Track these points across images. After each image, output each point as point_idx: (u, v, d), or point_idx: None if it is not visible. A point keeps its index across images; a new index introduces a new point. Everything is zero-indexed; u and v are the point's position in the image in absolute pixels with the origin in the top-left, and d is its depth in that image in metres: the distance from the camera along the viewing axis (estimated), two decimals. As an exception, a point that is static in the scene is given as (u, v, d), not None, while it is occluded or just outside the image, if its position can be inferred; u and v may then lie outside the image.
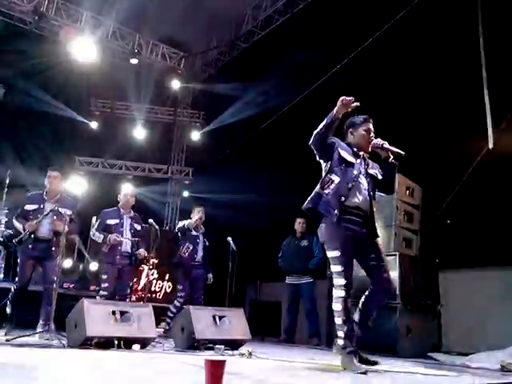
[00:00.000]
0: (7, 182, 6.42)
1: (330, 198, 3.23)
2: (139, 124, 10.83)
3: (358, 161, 3.37)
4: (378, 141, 3.36)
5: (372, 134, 3.40)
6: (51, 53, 8.88)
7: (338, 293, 3.14)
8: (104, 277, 5.36)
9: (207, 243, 6.34)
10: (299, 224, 6.59)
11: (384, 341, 4.86)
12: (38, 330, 4.56)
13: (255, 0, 9.48)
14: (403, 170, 5.79)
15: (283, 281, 6.69)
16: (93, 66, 8.99)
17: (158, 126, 11.38)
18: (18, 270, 4.95)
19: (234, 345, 4.35)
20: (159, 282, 8.82)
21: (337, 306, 3.14)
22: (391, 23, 6.87)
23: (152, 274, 8.41)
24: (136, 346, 3.93)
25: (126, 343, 3.85)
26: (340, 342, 3.12)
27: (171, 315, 6.01)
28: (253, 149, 9.03)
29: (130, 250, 5.49)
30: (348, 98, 3.12)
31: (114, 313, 3.90)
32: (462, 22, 6.05)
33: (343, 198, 3.21)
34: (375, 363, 3.32)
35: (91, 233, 5.56)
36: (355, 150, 3.39)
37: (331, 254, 3.21)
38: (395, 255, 5.20)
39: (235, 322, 4.55)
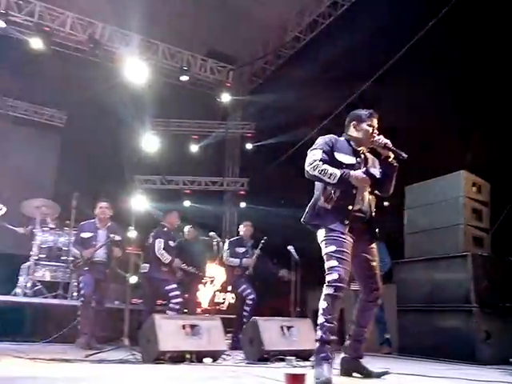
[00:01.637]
0: (74, 205, 6.71)
1: (336, 211, 3.02)
2: (192, 139, 11.06)
3: (358, 159, 3.15)
4: (381, 138, 3.09)
5: (376, 131, 3.15)
6: (106, 77, 9.27)
7: (327, 290, 2.92)
8: (170, 287, 5.67)
9: (257, 252, 6.35)
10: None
11: (461, 347, 4.65)
12: (95, 346, 4.88)
13: (298, 6, 9.46)
14: (469, 167, 5.56)
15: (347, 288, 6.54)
16: (145, 87, 9.29)
17: (210, 139, 11.57)
18: (82, 285, 5.38)
19: (304, 355, 4.28)
20: (222, 293, 8.90)
21: (322, 304, 2.92)
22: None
23: (213, 286, 8.51)
24: (207, 360, 3.95)
25: (198, 357, 3.88)
26: (316, 344, 2.89)
27: (246, 313, 6.03)
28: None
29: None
30: (367, 179, 2.99)
31: (184, 327, 3.95)
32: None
33: (351, 207, 3.01)
34: (379, 375, 3.03)
35: (158, 251, 5.79)
36: (354, 146, 3.17)
37: (327, 249, 2.98)
38: (466, 255, 4.95)
39: (303, 332, 4.48)
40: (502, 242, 5.68)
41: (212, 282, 8.19)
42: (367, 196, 3.12)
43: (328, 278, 2.94)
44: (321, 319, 2.89)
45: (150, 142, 10.88)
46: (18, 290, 6.38)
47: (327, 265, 2.98)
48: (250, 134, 11.52)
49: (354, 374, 3.11)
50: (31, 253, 6.59)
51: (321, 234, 3.07)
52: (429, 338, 5.05)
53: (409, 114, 6.75)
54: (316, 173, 2.96)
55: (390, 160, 3.09)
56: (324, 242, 3.03)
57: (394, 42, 7.31)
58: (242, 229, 6.54)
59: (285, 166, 9.35)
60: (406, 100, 6.92)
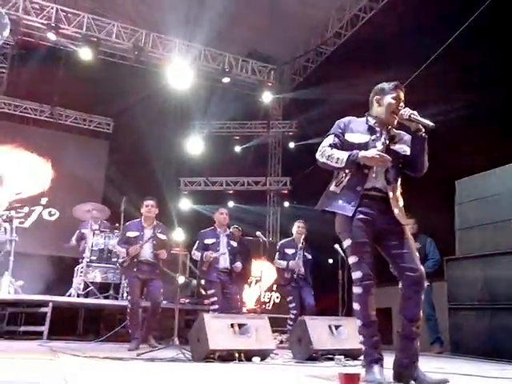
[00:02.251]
0: (123, 208, 6.92)
1: (344, 193, 2.83)
2: (235, 140, 11.18)
3: (374, 137, 2.89)
4: (406, 111, 2.82)
5: (401, 104, 2.89)
6: (151, 83, 9.52)
7: (355, 289, 2.75)
8: (210, 292, 5.68)
9: (309, 257, 6.27)
10: (409, 226, 6.28)
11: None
12: (153, 344, 5.00)
13: (338, 1, 9.35)
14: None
15: (394, 285, 6.40)
16: (188, 90, 9.47)
17: (253, 139, 11.64)
18: (128, 290, 5.44)
19: (352, 355, 4.23)
20: (267, 293, 8.93)
21: (355, 306, 2.75)
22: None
23: (259, 286, 8.54)
24: (256, 359, 3.96)
25: (247, 355, 3.91)
26: (362, 348, 2.72)
27: (289, 327, 6.03)
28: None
29: (228, 266, 5.78)
30: (384, 158, 2.73)
31: (232, 326, 3.98)
32: None
33: (359, 188, 2.80)
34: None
35: (192, 252, 5.87)
36: (373, 123, 2.93)
37: (345, 243, 2.82)
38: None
39: (352, 331, 4.41)
40: None
41: (257, 281, 8.22)
42: (382, 172, 2.83)
43: (353, 276, 2.79)
44: (358, 322, 2.75)
45: (194, 145, 11.09)
46: (72, 291, 6.65)
47: (349, 260, 2.82)
48: (291, 133, 11.51)
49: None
50: (83, 255, 6.85)
51: (336, 223, 2.91)
52: (482, 336, 4.88)
53: (457, 104, 6.52)
54: (324, 159, 2.85)
55: (419, 133, 2.83)
56: (340, 235, 2.87)
57: (438, 35, 7.08)
58: (293, 229, 6.39)
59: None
60: (453, 90, 6.71)
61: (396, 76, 3.09)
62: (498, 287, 4.88)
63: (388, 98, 2.90)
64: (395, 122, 2.91)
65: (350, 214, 2.76)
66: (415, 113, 2.79)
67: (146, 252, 5.32)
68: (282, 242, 6.55)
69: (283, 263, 6.16)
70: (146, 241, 5.28)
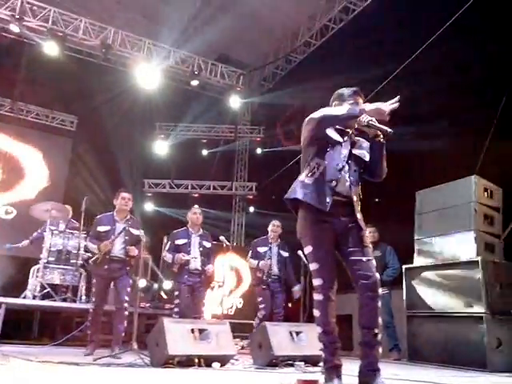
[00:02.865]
0: (83, 208, 6.72)
1: (318, 186, 2.78)
2: (202, 143, 11.12)
3: (346, 138, 2.92)
4: (365, 117, 2.80)
5: None
6: (118, 82, 9.35)
7: (316, 296, 2.74)
8: (176, 295, 5.57)
9: (285, 255, 6.22)
10: (370, 234, 6.40)
11: (472, 354, 4.60)
12: (115, 350, 4.72)
13: (309, 11, 9.48)
14: (480, 171, 5.51)
15: (355, 292, 6.50)
16: (156, 91, 9.36)
17: (220, 143, 11.61)
18: (93, 291, 5.13)
19: (312, 361, 4.26)
20: (230, 298, 8.88)
21: (315, 312, 2.74)
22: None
23: (222, 291, 8.49)
24: (216, 364, 3.93)
25: (206, 361, 3.87)
26: (322, 354, 2.72)
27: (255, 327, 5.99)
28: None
29: (199, 268, 5.63)
30: (392, 106, 2.72)
31: (193, 331, 3.94)
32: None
33: (334, 183, 2.76)
34: None
35: (163, 254, 5.75)
36: (340, 127, 2.94)
37: (306, 250, 2.80)
38: (477, 261, 4.90)
39: (312, 337, 4.43)
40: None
41: (220, 286, 8.18)
42: (346, 176, 2.83)
43: (314, 283, 2.77)
44: (318, 329, 2.73)
45: (160, 146, 10.97)
46: (27, 293, 6.41)
47: (310, 267, 2.80)
48: (259, 139, 11.55)
49: None
50: (41, 256, 6.62)
51: (298, 226, 2.87)
52: (439, 344, 5.01)
53: (419, 116, 6.71)
54: (322, 114, 2.82)
55: (377, 139, 2.86)
56: (302, 240, 2.85)
57: (404, 48, 7.27)
58: (269, 228, 6.30)
59: (293, 170, 9.34)
60: (416, 103, 6.89)
61: (362, 85, 3.13)
62: (455, 296, 5.03)
63: (346, 104, 2.93)
64: (354, 126, 2.93)
65: (326, 209, 2.72)
66: (373, 119, 2.80)
67: (117, 247, 5.01)
68: (256, 240, 6.45)
69: (254, 262, 6.11)
70: (116, 235, 4.95)
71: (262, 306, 6.02)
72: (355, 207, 2.83)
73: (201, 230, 5.89)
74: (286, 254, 6.23)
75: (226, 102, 10.57)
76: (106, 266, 4.95)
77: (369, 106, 2.76)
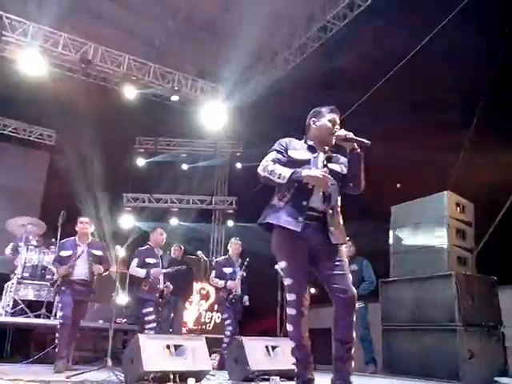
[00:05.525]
0: (60, 223, 6.64)
1: (290, 208, 2.82)
2: (182, 158, 11.14)
3: (315, 155, 2.97)
4: (342, 131, 2.92)
5: (337, 126, 3.00)
6: (97, 97, 9.33)
7: (289, 311, 2.76)
8: (147, 311, 5.61)
9: (244, 274, 6.23)
10: (346, 248, 6.46)
11: (445, 366, 4.66)
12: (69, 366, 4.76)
13: (288, 28, 9.65)
14: (452, 187, 5.66)
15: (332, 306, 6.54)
16: (136, 106, 9.37)
17: (200, 158, 11.63)
18: (61, 306, 5.17)
19: (288, 375, 4.26)
20: (208, 313, 8.85)
21: (289, 327, 2.77)
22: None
23: (200, 305, 8.46)
24: (191, 380, 3.90)
25: (182, 377, 3.84)
26: (295, 369, 2.77)
27: (224, 345, 5.98)
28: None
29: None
30: (327, 179, 2.78)
31: (168, 347, 3.91)
32: None
33: (305, 203, 2.81)
34: None
35: (133, 270, 5.76)
36: (311, 143, 3.01)
37: (280, 265, 2.84)
38: (450, 275, 5.00)
39: (288, 352, 4.44)
40: (486, 262, 5.74)
41: (199, 301, 8.15)
42: (320, 192, 2.87)
43: (288, 298, 2.80)
44: (291, 344, 2.77)
45: (140, 161, 10.95)
46: (-1, 310, 6.29)
47: (284, 282, 2.84)
48: (238, 154, 11.61)
49: None
50: (15, 271, 6.51)
51: (273, 242, 2.91)
52: (414, 357, 5.05)
53: (393, 133, 6.87)
54: (266, 174, 2.85)
55: (355, 151, 2.93)
56: (277, 255, 2.89)
57: (381, 66, 7.46)
58: (229, 246, 6.36)
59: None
60: (392, 117, 7.05)
61: (340, 102, 3.24)
62: (429, 309, 5.10)
63: (324, 120, 3.02)
64: (332, 142, 2.99)
65: (299, 230, 2.76)
66: (350, 133, 2.90)
67: (81, 270, 5.15)
68: (218, 259, 6.53)
69: (221, 282, 6.08)
70: (75, 259, 5.13)
71: (227, 322, 6.03)
72: (329, 222, 2.86)
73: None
74: (244, 274, 6.25)
75: (205, 117, 10.62)
76: (68, 289, 5.06)
77: (306, 172, 2.78)
